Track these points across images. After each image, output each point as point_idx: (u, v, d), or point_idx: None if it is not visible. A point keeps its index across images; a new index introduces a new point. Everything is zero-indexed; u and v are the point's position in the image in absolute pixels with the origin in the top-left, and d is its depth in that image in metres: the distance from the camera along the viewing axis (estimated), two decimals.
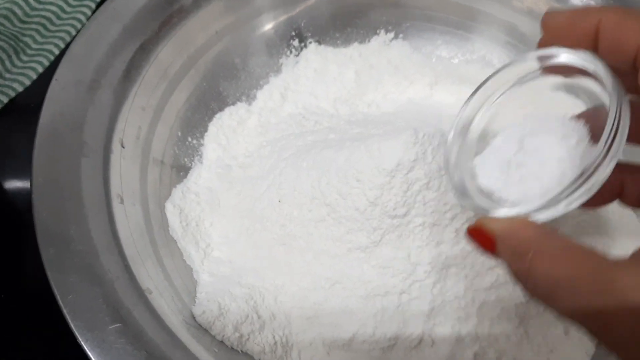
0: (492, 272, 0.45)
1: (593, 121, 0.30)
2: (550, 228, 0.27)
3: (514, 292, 0.45)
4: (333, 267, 0.46)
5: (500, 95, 0.36)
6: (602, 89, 0.29)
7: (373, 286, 0.44)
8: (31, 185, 0.40)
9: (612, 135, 0.26)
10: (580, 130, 0.30)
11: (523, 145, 0.32)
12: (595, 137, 0.29)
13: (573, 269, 0.24)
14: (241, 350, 0.42)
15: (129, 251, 0.40)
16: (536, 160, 0.31)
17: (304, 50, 0.61)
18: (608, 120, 0.26)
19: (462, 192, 0.34)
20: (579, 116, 0.31)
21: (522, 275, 0.26)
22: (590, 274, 0.24)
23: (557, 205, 0.28)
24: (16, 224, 0.57)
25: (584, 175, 0.26)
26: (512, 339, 0.44)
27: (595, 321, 0.24)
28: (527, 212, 0.28)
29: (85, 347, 0.34)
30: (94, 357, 0.34)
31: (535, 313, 0.45)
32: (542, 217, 0.28)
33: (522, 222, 0.28)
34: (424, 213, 0.44)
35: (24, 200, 0.58)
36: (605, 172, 0.27)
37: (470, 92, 0.54)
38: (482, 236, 0.29)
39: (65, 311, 0.35)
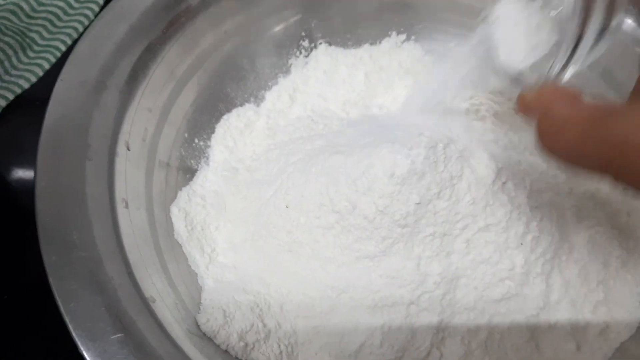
0: (503, 283, 0.44)
1: None
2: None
3: (525, 305, 0.44)
4: (340, 276, 0.45)
5: None
6: None
7: (381, 296, 0.43)
8: (35, 189, 0.39)
9: None
10: None
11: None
12: None
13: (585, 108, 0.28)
14: None
15: (132, 257, 0.39)
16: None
17: (314, 51, 0.60)
18: None
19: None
20: None
21: (545, 131, 0.29)
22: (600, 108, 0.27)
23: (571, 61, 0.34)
24: (21, 221, 0.57)
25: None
26: (522, 352, 0.44)
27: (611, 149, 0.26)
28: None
29: (87, 357, 0.33)
30: None
31: (546, 327, 0.44)
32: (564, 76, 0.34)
33: (545, 86, 0.32)
34: (434, 223, 0.43)
35: (30, 196, 0.58)
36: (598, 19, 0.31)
37: (483, 97, 0.53)
38: (523, 106, 0.32)
39: (67, 320, 0.34)
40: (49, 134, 0.41)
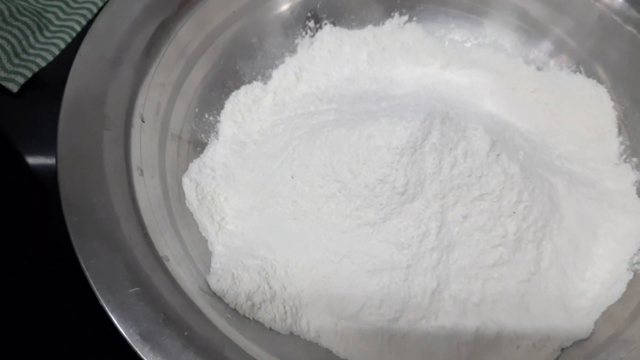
0: (496, 250, 0.46)
1: None
2: None
3: (517, 271, 0.46)
4: (342, 241, 0.47)
5: None
6: None
7: (380, 261, 0.46)
8: (56, 156, 0.41)
9: None
10: None
11: None
12: None
13: None
14: (253, 318, 0.44)
15: (147, 220, 0.42)
16: None
17: (319, 32, 0.62)
18: None
19: None
20: None
21: None
22: None
23: None
24: (38, 194, 0.59)
25: None
26: (513, 315, 0.46)
27: None
28: None
29: (106, 308, 0.36)
30: (114, 318, 0.35)
31: (537, 291, 0.47)
32: None
33: None
34: (431, 192, 0.46)
35: (47, 172, 0.60)
36: None
37: (480, 76, 0.55)
38: None
39: (87, 274, 0.37)
40: (69, 105, 0.44)
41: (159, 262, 0.40)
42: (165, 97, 0.51)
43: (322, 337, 0.46)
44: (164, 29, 0.50)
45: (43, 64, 0.64)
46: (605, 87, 0.56)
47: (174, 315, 0.37)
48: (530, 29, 0.60)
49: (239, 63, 0.58)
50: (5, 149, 0.62)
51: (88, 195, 0.40)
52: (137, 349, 0.34)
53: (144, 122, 0.47)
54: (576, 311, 0.47)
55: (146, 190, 0.44)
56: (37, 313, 0.50)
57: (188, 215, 0.49)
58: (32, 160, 0.61)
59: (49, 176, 0.60)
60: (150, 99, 0.48)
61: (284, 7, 0.60)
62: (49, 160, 0.61)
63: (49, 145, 0.61)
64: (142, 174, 0.45)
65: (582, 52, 0.57)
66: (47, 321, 0.50)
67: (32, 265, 0.53)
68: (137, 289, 0.37)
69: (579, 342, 0.45)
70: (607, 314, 0.46)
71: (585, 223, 0.49)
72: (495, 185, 0.46)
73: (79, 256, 0.37)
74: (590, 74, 0.57)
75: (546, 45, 0.59)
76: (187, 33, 0.52)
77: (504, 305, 0.46)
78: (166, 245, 0.42)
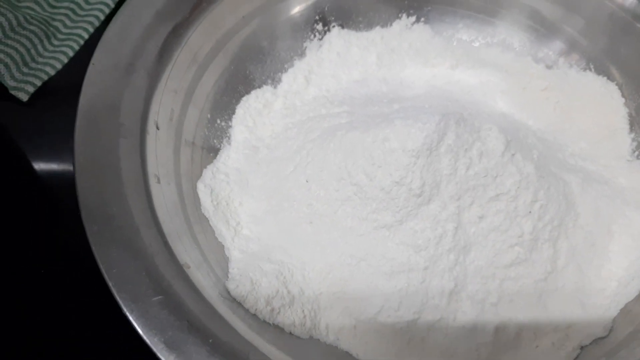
0: (513, 250, 0.46)
1: None
2: None
3: (534, 270, 0.47)
4: (358, 245, 0.47)
5: None
6: None
7: (398, 263, 0.46)
8: (74, 166, 0.41)
9: None
10: None
11: None
12: None
13: None
14: (272, 323, 0.44)
15: (166, 228, 0.42)
16: None
17: (328, 34, 0.62)
18: None
19: None
20: None
21: None
22: None
23: None
24: (50, 203, 0.60)
25: None
26: (531, 314, 0.46)
27: None
28: None
29: (130, 317, 0.36)
30: (139, 327, 0.35)
31: (554, 290, 0.47)
32: None
33: None
34: (447, 193, 0.46)
35: (57, 181, 0.60)
36: None
37: (489, 76, 0.55)
38: None
39: (110, 284, 0.37)
40: (84, 114, 0.44)
41: (180, 270, 0.40)
42: (178, 103, 0.51)
43: (341, 340, 0.46)
44: (175, 35, 0.50)
45: (52, 72, 0.64)
46: (616, 85, 0.56)
47: (198, 323, 0.37)
48: (540, 27, 0.60)
49: (249, 67, 0.58)
50: (15, 158, 0.62)
51: (107, 204, 0.40)
52: (162, 358, 0.35)
53: (158, 129, 0.47)
54: (594, 309, 0.47)
55: (164, 197, 0.44)
56: (55, 322, 0.51)
57: (204, 221, 0.49)
58: (42, 167, 0.61)
59: (59, 184, 0.60)
60: (164, 106, 0.48)
61: (293, 10, 0.60)
62: (59, 169, 0.61)
63: (59, 153, 0.61)
64: (158, 181, 0.45)
65: (593, 50, 0.57)
66: (67, 330, 0.50)
67: (49, 274, 0.53)
68: (160, 297, 0.37)
69: (598, 340, 0.45)
70: (626, 311, 0.46)
71: (600, 220, 0.49)
72: (511, 185, 0.46)
73: (101, 266, 0.37)
74: (601, 71, 0.57)
75: (556, 44, 0.60)
76: (198, 38, 0.52)
77: (521, 304, 0.46)
78: (185, 252, 0.42)
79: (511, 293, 0.46)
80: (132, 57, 0.47)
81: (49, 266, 0.54)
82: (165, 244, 0.41)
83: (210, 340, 0.36)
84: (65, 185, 0.60)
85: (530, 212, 0.47)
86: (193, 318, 0.37)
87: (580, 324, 0.46)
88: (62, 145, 0.61)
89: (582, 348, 0.45)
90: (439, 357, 0.45)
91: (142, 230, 0.40)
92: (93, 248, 0.38)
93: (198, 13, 0.52)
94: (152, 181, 0.44)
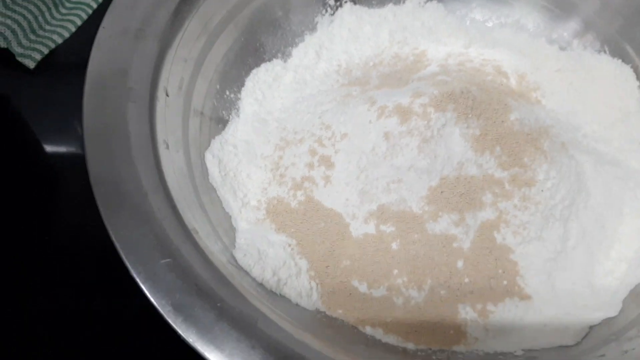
0: (524, 227, 0.46)
1: None
2: None
3: (544, 248, 0.46)
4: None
5: None
6: None
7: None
8: (82, 129, 0.41)
9: None
10: None
11: None
12: None
13: None
14: (279, 294, 0.43)
15: (174, 194, 0.41)
16: None
17: (339, 10, 0.61)
18: None
19: None
20: None
21: None
22: None
23: None
24: (55, 171, 0.59)
25: None
26: (539, 292, 0.46)
27: None
28: None
29: (137, 279, 0.35)
30: (146, 289, 0.35)
31: (562, 269, 0.46)
32: None
33: None
34: (462, 176, 0.45)
35: (61, 151, 0.60)
36: None
37: (503, 55, 0.54)
38: None
39: (118, 246, 0.36)
40: (93, 78, 0.43)
41: (188, 235, 0.39)
42: (187, 72, 0.50)
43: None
44: (186, 3, 0.49)
45: (59, 40, 0.63)
46: (631, 67, 0.55)
47: (206, 287, 0.36)
48: (555, 8, 0.59)
49: (259, 40, 0.57)
50: (19, 127, 0.61)
51: (115, 168, 0.39)
52: (169, 320, 0.34)
53: (168, 96, 0.46)
54: (603, 289, 0.46)
55: (172, 163, 0.43)
56: (63, 290, 0.50)
57: (212, 191, 0.48)
58: (46, 138, 0.60)
59: (63, 154, 0.60)
60: (173, 74, 0.48)
61: None
62: (62, 139, 0.60)
63: (63, 123, 0.60)
64: (167, 147, 0.44)
65: (608, 31, 0.56)
66: (76, 297, 0.50)
67: (54, 241, 0.52)
68: (168, 260, 0.36)
69: (607, 320, 0.44)
70: (635, 293, 0.45)
71: (612, 202, 0.49)
72: (526, 162, 0.46)
73: (108, 228, 0.37)
74: (616, 53, 0.56)
75: (571, 25, 0.59)
76: (209, 7, 0.51)
77: (530, 282, 0.46)
78: (193, 219, 0.41)
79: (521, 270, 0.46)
80: (142, 23, 0.47)
81: (55, 234, 0.53)
82: (174, 208, 0.40)
83: (219, 304, 0.35)
84: (70, 157, 0.59)
85: (542, 190, 0.46)
86: (201, 282, 0.36)
87: (589, 304, 0.45)
88: (67, 115, 0.60)
89: (590, 327, 0.44)
90: (450, 329, 0.45)
91: (150, 195, 0.39)
92: (101, 211, 0.37)
93: None
94: (161, 147, 0.43)
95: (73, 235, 0.54)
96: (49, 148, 0.60)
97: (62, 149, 0.60)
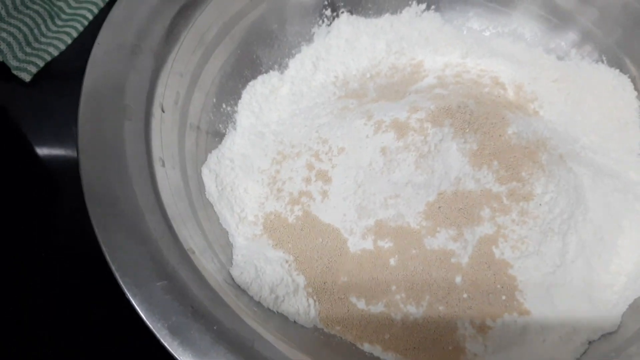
0: (522, 241, 0.46)
1: None
2: None
3: (543, 262, 0.46)
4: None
5: None
6: None
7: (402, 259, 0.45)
8: (77, 147, 0.40)
9: None
10: None
11: None
12: None
13: None
14: (277, 311, 0.43)
15: (171, 212, 0.41)
16: None
17: (336, 20, 0.61)
18: None
19: None
20: None
21: None
22: None
23: None
24: (51, 185, 0.59)
25: None
26: (538, 307, 0.45)
27: None
28: None
29: (133, 302, 0.35)
30: (142, 312, 0.35)
31: (562, 284, 0.46)
32: None
33: None
34: (459, 191, 0.45)
35: (58, 163, 0.60)
36: None
37: (500, 65, 0.54)
38: None
39: (113, 267, 0.36)
40: (88, 95, 0.43)
41: (184, 255, 0.39)
42: (183, 86, 0.50)
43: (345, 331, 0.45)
44: (182, 16, 0.49)
45: (55, 53, 0.63)
46: (629, 77, 0.55)
47: (202, 309, 0.36)
48: (553, 18, 0.59)
49: (255, 52, 0.57)
50: (16, 140, 0.61)
51: (111, 187, 0.39)
52: (165, 344, 0.34)
53: (164, 111, 0.46)
54: (602, 304, 0.46)
55: (168, 181, 0.43)
56: (57, 308, 0.50)
57: (208, 207, 0.48)
58: (44, 150, 0.60)
59: (61, 168, 0.59)
60: (169, 88, 0.47)
61: None
62: (60, 151, 0.60)
63: (60, 135, 0.60)
64: (163, 164, 0.44)
65: (606, 42, 0.56)
66: (69, 316, 0.49)
67: (50, 258, 0.52)
68: (164, 282, 0.36)
69: (606, 336, 0.44)
70: (635, 307, 0.45)
71: (611, 215, 0.49)
72: (523, 176, 0.45)
73: (104, 249, 0.37)
74: (614, 63, 0.56)
75: (569, 35, 0.59)
76: (205, 20, 0.51)
77: (529, 296, 0.46)
78: (190, 237, 0.41)
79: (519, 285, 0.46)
80: (137, 38, 0.46)
81: (50, 250, 0.53)
82: (170, 228, 0.40)
83: (215, 327, 0.35)
84: (68, 168, 0.59)
85: (540, 204, 0.46)
86: (197, 304, 0.36)
87: (588, 318, 0.45)
88: (64, 128, 0.60)
89: (590, 343, 0.44)
90: (448, 345, 0.44)
91: (147, 214, 0.39)
92: (96, 231, 0.37)
93: None
94: (157, 164, 0.43)
95: (68, 250, 0.53)
96: (45, 157, 0.60)
97: (59, 157, 0.60)
